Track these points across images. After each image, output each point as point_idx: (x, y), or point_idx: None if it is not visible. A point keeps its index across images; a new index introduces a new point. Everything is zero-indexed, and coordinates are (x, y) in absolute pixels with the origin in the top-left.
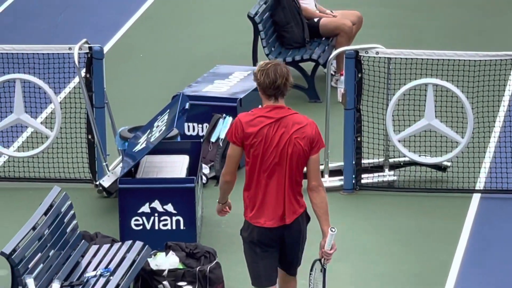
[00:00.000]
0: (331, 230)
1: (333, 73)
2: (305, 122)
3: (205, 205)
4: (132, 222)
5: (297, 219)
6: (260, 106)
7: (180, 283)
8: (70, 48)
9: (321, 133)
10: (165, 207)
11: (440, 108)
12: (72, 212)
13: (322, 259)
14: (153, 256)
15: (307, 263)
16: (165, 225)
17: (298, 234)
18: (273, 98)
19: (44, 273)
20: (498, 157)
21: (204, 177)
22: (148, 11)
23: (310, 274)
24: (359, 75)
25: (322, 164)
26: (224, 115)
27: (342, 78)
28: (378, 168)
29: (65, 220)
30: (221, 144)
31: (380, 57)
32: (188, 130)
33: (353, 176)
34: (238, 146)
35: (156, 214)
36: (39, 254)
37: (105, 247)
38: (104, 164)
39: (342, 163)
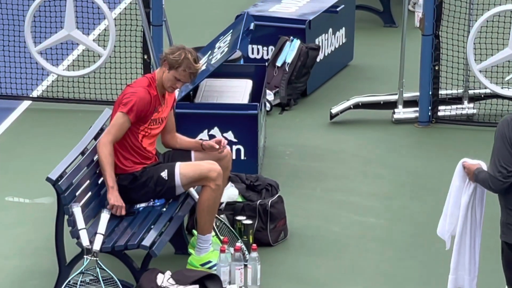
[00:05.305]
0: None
1: None
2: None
3: (268, 134)
4: None
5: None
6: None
7: (238, 217)
8: None
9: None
10: (225, 134)
11: None
12: None
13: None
14: None
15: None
16: None
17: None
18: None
19: (92, 202)
20: None
21: (268, 104)
22: None
23: None
24: None
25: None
26: (291, 37)
27: (421, 1)
28: (456, 100)
29: None
30: (287, 69)
31: None
32: (252, 53)
33: (429, 107)
34: None
35: None
36: (88, 181)
37: None
38: None
39: (418, 94)
